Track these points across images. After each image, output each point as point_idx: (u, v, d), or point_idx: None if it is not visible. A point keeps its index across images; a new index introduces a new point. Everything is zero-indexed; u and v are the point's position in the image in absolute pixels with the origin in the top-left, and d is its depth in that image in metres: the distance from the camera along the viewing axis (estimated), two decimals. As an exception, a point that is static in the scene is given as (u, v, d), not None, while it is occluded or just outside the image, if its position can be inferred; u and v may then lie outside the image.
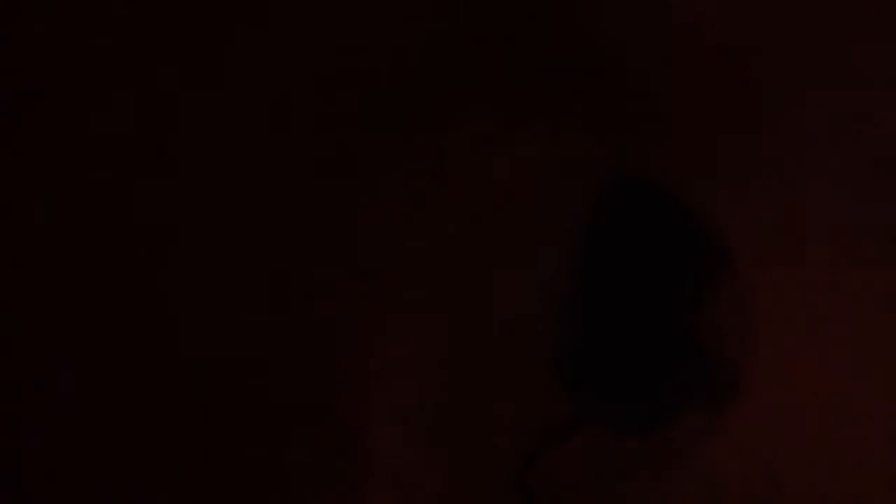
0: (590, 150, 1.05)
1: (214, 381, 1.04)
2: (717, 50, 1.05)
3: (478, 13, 1.07)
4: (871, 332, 1.01)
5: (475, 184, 1.06)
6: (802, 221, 1.03)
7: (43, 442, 1.04)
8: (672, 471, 1.00)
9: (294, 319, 1.05)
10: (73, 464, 1.04)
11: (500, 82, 1.06)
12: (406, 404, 1.04)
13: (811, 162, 1.04)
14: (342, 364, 1.05)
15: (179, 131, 1.06)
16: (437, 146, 1.06)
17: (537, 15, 1.06)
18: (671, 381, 0.99)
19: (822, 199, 1.03)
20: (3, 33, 1.05)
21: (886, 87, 1.04)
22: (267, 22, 1.07)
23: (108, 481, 1.04)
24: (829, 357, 1.01)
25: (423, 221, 1.06)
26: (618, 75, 1.06)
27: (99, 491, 1.04)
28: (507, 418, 1.03)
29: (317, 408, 1.05)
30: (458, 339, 1.05)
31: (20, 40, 1.05)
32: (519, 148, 1.06)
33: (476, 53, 1.07)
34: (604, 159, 1.05)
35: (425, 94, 1.06)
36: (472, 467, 1.03)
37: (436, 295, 1.06)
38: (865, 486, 1.00)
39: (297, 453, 1.04)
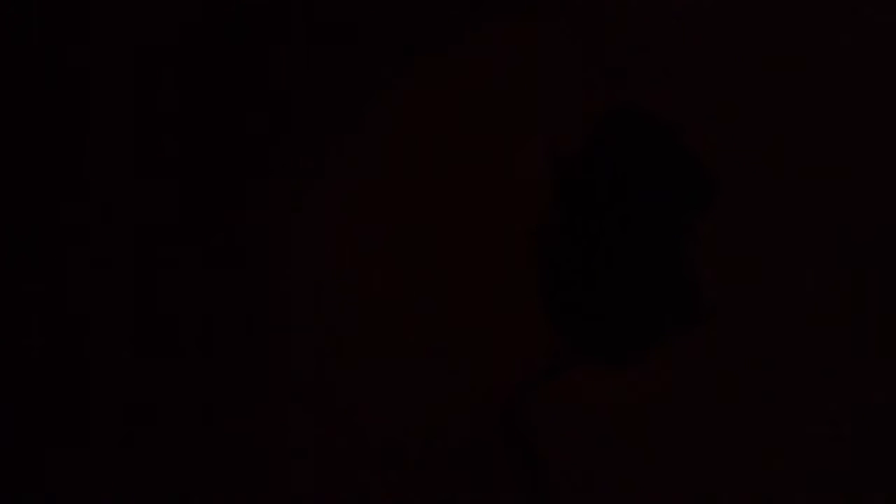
0: (579, 78, 1.06)
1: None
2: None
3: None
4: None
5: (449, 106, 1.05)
6: (793, 155, 1.04)
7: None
8: (657, 402, 1.02)
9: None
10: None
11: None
12: (392, 343, 1.04)
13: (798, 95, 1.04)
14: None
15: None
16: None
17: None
18: (657, 310, 1.00)
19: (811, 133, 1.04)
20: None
21: None
22: None
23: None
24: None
25: (405, 155, 1.06)
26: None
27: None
28: (497, 352, 1.03)
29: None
30: (443, 270, 1.04)
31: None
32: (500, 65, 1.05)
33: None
34: (594, 87, 1.05)
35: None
36: (461, 401, 1.03)
37: (418, 224, 1.05)
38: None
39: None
